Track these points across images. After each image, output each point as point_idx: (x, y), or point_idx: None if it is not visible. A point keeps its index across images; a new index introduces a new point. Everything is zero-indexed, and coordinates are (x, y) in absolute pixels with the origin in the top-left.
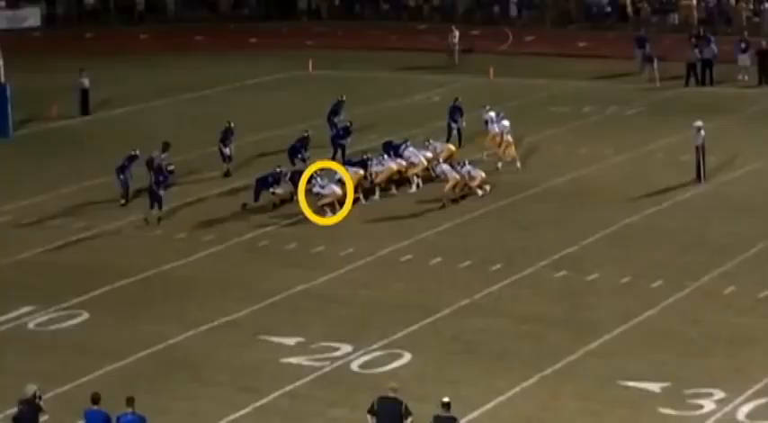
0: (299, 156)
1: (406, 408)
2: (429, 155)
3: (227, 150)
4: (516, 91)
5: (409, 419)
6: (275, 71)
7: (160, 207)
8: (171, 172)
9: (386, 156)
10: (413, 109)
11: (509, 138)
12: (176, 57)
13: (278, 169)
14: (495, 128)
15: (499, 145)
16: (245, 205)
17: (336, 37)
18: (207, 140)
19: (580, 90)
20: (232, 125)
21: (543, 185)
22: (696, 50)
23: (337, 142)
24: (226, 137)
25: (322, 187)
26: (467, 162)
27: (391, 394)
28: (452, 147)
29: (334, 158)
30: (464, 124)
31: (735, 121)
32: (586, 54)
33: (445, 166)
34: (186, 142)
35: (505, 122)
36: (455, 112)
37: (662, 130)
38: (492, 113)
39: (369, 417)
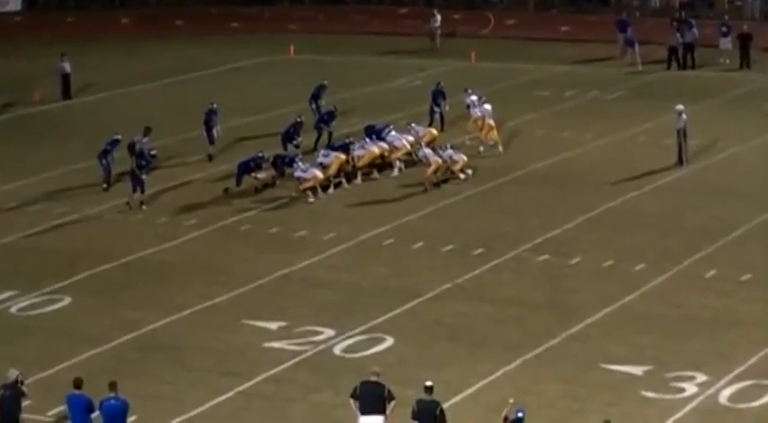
0: (293, 141)
1: (389, 392)
2: (411, 139)
3: (213, 132)
4: (498, 75)
5: (392, 403)
6: (256, 56)
7: (143, 191)
8: (153, 156)
9: (368, 140)
10: (395, 93)
11: (491, 121)
12: (158, 41)
13: (260, 154)
14: (477, 112)
15: (481, 129)
16: (227, 190)
17: (318, 21)
18: (189, 125)
19: (562, 74)
20: (215, 106)
21: (525, 169)
22: (677, 34)
23: (321, 127)
24: (209, 118)
25: (303, 171)
26: (449, 146)
27: (374, 378)
28: (434, 131)
29: (317, 143)
30: (447, 108)
31: (716, 104)
32: (568, 38)
33: (427, 150)
34: (168, 127)
35: (487, 106)
36: (438, 95)
37: (644, 114)
38: (474, 97)
39: (351, 401)
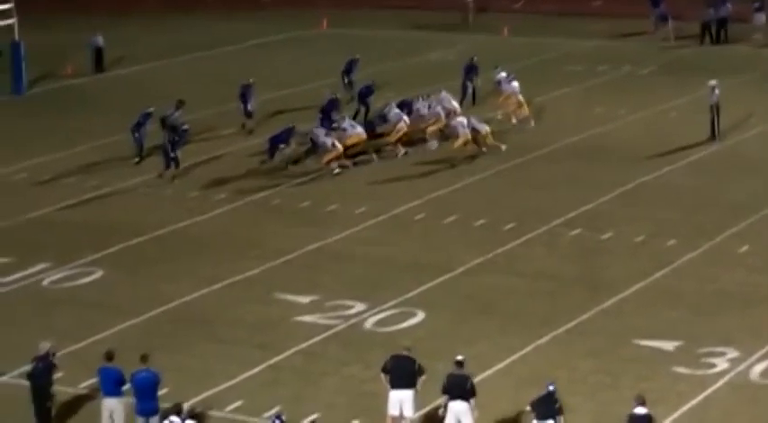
0: (330, 119)
1: (420, 366)
2: (440, 109)
3: (249, 106)
4: (530, 50)
5: (422, 377)
6: (287, 29)
7: (177, 166)
8: (185, 131)
9: (399, 112)
10: (427, 67)
11: (520, 97)
12: (189, 15)
13: (290, 125)
14: (507, 88)
15: (511, 105)
16: (263, 162)
17: None
18: (220, 99)
19: (594, 49)
20: (251, 81)
21: (557, 144)
22: (711, 10)
23: (364, 100)
24: (245, 92)
25: (345, 129)
26: (470, 117)
27: (405, 353)
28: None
29: (356, 117)
30: (479, 83)
31: (749, 80)
32: (601, 13)
33: (459, 119)
34: (200, 101)
35: (515, 83)
36: (470, 70)
37: (676, 89)
38: (503, 74)
39: (382, 375)
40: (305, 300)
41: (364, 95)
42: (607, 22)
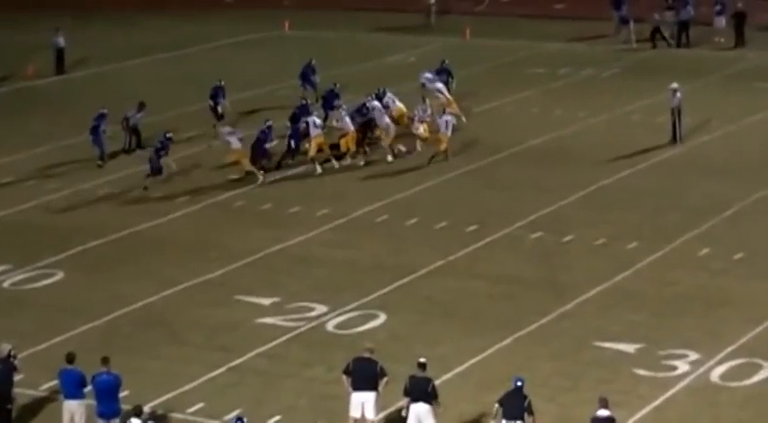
0: (300, 120)
1: (382, 368)
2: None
3: (219, 108)
4: (493, 52)
5: (384, 380)
6: (250, 31)
7: (160, 174)
8: (169, 139)
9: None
10: (389, 70)
11: (448, 96)
12: (153, 16)
13: (268, 123)
14: (432, 87)
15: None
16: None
17: None
18: (183, 100)
19: (556, 52)
20: (222, 83)
21: (519, 147)
22: (670, 12)
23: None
24: (216, 94)
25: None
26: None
27: (367, 355)
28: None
29: (325, 123)
30: (454, 85)
31: (711, 83)
32: (563, 15)
33: (447, 117)
34: (162, 102)
35: (439, 84)
36: (442, 74)
37: (638, 92)
38: (428, 74)
39: (344, 377)
40: (266, 302)
41: (327, 99)
42: (569, 24)
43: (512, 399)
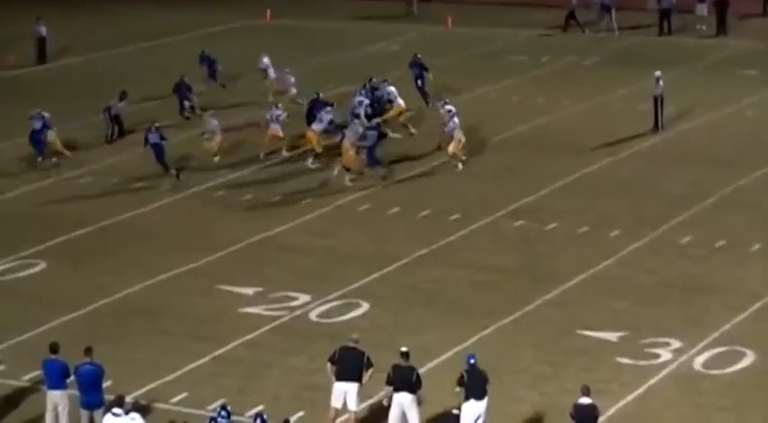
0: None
1: (368, 359)
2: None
3: (185, 103)
4: (474, 40)
5: (369, 371)
6: (231, 20)
7: (167, 169)
8: (164, 138)
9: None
10: (371, 58)
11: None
12: (134, 5)
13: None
14: (273, 74)
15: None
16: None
17: None
18: (164, 89)
19: (538, 40)
20: (185, 78)
21: (501, 135)
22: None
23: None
24: (179, 89)
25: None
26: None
27: (352, 345)
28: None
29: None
30: (431, 77)
31: (693, 71)
32: (544, 3)
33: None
34: (144, 91)
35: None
36: (415, 66)
37: (619, 80)
38: (266, 59)
39: (329, 365)
40: (249, 291)
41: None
42: (551, 12)
43: (472, 378)
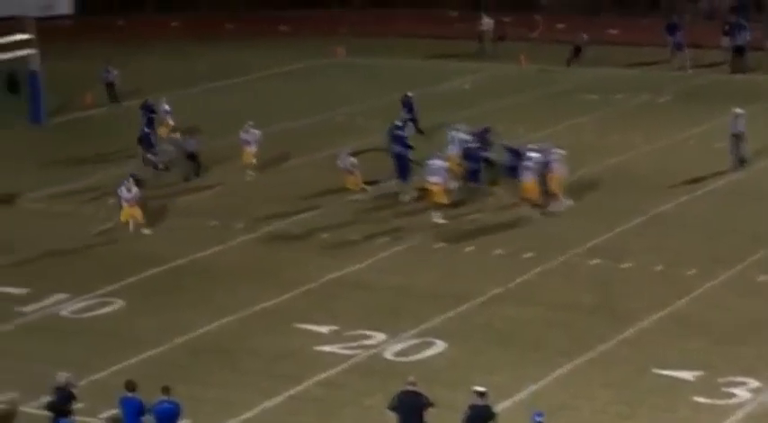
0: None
1: (427, 399)
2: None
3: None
4: (547, 78)
5: (429, 410)
6: (305, 59)
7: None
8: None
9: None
10: (444, 96)
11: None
12: (206, 45)
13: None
14: (166, 117)
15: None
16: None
17: (367, 24)
18: (234, 129)
19: (611, 77)
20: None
21: (575, 174)
22: (727, 38)
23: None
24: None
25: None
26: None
27: (410, 388)
28: None
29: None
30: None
31: (767, 108)
32: (618, 41)
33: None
34: (214, 130)
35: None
36: (407, 105)
37: (694, 118)
38: (166, 106)
39: (389, 412)
40: (324, 329)
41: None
42: (624, 50)
43: None
